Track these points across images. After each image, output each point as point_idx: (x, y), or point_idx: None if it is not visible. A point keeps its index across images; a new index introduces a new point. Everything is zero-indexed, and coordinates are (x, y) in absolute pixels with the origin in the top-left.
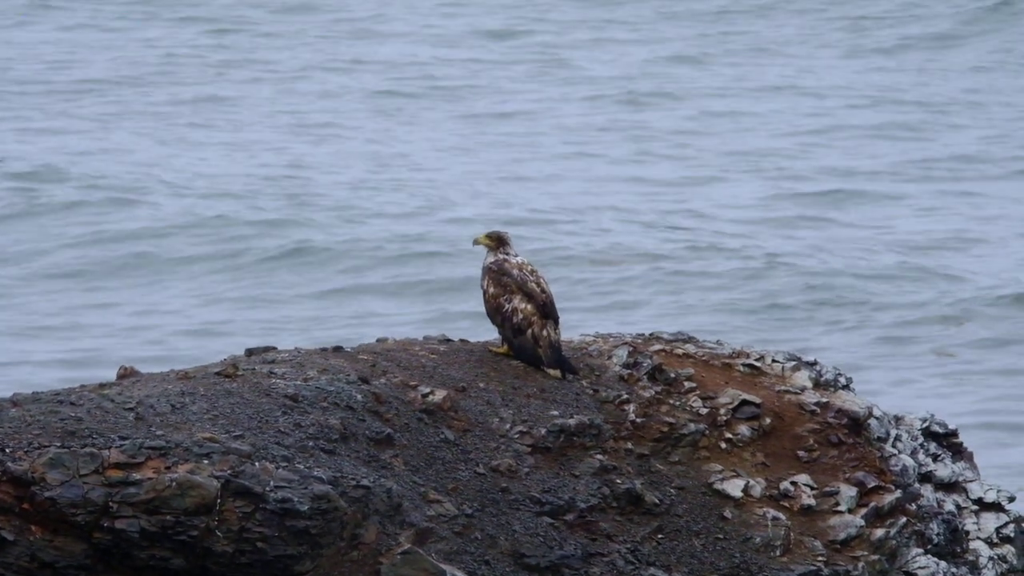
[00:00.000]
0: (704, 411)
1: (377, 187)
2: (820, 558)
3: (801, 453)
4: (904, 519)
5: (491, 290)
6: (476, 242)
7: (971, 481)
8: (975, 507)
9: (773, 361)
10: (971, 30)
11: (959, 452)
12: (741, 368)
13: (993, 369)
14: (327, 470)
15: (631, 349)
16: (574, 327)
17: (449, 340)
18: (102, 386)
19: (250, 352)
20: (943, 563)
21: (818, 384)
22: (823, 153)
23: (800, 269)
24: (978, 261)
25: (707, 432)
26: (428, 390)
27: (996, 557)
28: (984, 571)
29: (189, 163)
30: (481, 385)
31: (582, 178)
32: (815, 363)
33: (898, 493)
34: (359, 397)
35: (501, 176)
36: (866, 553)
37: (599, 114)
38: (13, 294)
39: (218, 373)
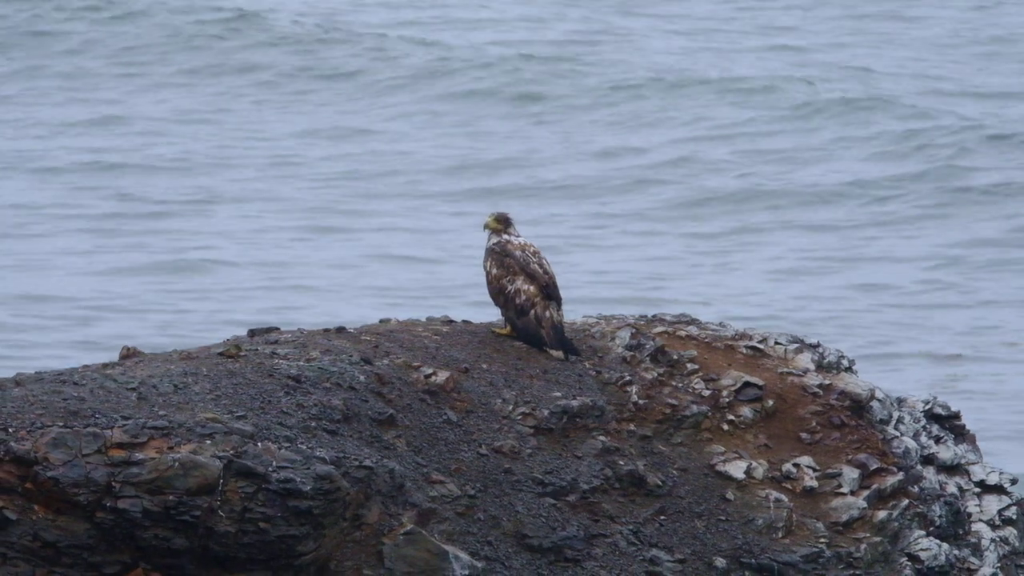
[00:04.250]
0: (707, 393)
1: None
2: (822, 540)
3: (803, 435)
4: (906, 501)
5: (494, 271)
6: (486, 227)
7: (973, 463)
8: (977, 489)
9: (776, 343)
10: None
11: (961, 434)
12: (744, 350)
13: None
14: (330, 451)
15: (634, 331)
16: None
17: (452, 321)
18: (105, 366)
19: (253, 333)
20: (945, 545)
21: (821, 366)
22: None
23: None
24: None
25: (710, 414)
26: (431, 371)
27: (998, 539)
28: (986, 553)
29: None
30: (484, 366)
31: None
32: (818, 345)
33: (900, 475)
34: (362, 378)
35: None
36: (868, 535)
37: None
38: None
39: (221, 354)
